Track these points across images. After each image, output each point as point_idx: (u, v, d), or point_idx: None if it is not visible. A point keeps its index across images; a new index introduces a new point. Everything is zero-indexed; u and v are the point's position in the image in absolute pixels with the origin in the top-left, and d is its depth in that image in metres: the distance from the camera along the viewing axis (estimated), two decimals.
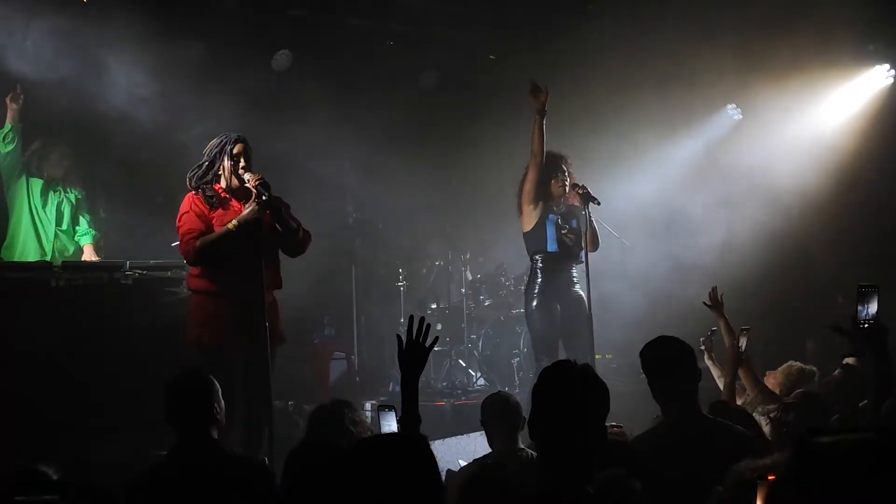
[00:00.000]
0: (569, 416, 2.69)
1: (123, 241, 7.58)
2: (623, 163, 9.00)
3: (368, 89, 9.28)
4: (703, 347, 5.52)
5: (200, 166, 5.54)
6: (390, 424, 3.64)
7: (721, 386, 5.32)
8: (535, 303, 6.76)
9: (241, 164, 5.48)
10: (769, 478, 2.42)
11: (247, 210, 5.35)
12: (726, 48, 8.42)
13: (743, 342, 5.07)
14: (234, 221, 5.34)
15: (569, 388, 2.73)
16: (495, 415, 4.42)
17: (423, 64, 9.60)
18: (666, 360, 3.74)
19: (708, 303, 5.62)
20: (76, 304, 6.16)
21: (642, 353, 3.83)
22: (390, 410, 3.69)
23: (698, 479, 3.04)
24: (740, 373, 5.24)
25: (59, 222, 7.25)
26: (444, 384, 8.80)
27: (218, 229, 5.40)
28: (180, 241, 5.45)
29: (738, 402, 4.94)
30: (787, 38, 8.42)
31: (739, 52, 8.52)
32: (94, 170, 7.78)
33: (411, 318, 3.28)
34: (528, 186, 6.77)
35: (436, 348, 8.70)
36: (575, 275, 6.85)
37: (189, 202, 5.48)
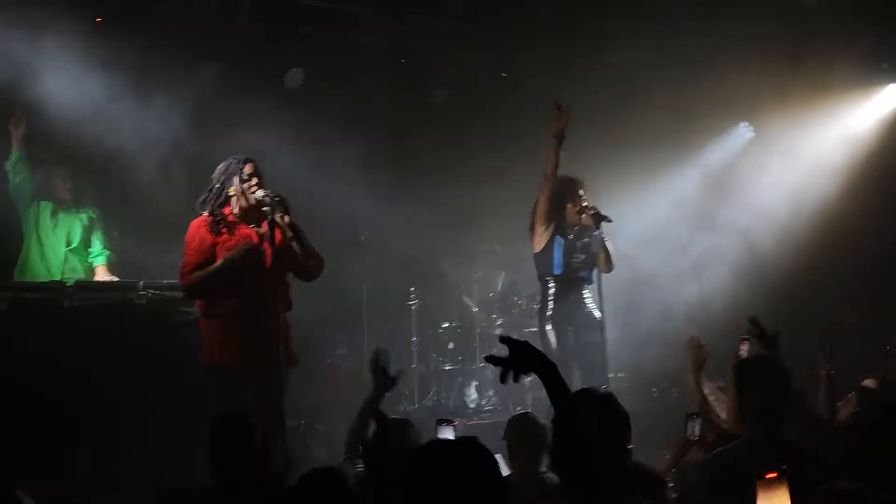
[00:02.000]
0: (591, 444, 2.68)
1: (137, 260, 7.58)
2: (635, 181, 8.98)
3: (380, 106, 9.29)
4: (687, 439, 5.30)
5: (210, 190, 5.55)
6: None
7: (719, 409, 5.12)
8: (548, 326, 6.75)
9: (254, 182, 5.50)
10: (767, 476, 2.41)
11: (241, 245, 5.36)
12: (739, 66, 8.42)
13: (744, 350, 4.96)
14: (226, 257, 5.36)
15: (591, 416, 2.73)
16: (523, 438, 4.35)
17: (435, 81, 9.61)
18: (758, 377, 3.73)
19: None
20: (90, 323, 6.17)
21: (736, 368, 3.83)
22: (448, 425, 3.70)
23: None
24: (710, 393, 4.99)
25: (68, 243, 7.24)
26: (456, 403, 8.76)
27: (220, 256, 5.43)
28: (181, 269, 5.49)
29: None
30: (801, 56, 8.42)
31: (752, 70, 8.51)
32: (106, 190, 7.78)
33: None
34: (541, 210, 6.76)
35: (447, 367, 8.87)
36: (587, 296, 6.82)
37: (194, 231, 5.50)
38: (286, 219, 5.38)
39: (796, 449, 3.68)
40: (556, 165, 6.62)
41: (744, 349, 4.90)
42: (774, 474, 2.35)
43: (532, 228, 6.88)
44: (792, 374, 3.88)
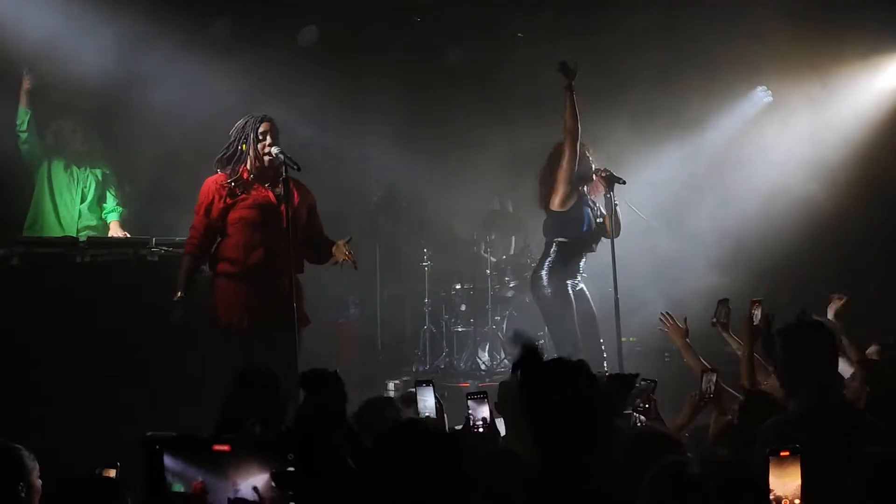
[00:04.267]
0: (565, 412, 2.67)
1: (150, 216, 7.57)
2: (650, 144, 8.91)
3: (393, 65, 9.22)
4: (714, 320, 5.26)
5: (227, 148, 5.57)
6: (426, 399, 3.63)
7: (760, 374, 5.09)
8: (550, 289, 6.60)
9: (268, 141, 5.50)
10: (782, 454, 2.39)
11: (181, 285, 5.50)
12: (760, 31, 8.31)
13: (756, 314, 4.87)
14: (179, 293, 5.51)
15: (563, 384, 2.71)
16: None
17: (449, 40, 9.52)
18: (808, 343, 3.68)
19: (664, 329, 5.16)
20: (102, 280, 6.17)
21: (780, 334, 3.78)
22: (428, 385, 3.69)
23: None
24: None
25: (83, 199, 7.22)
26: (468, 365, 8.77)
27: (238, 214, 5.50)
28: (190, 229, 5.64)
29: (763, 381, 4.78)
30: (823, 23, 8.30)
31: (773, 35, 8.40)
32: (118, 145, 7.75)
33: None
34: (567, 165, 6.56)
35: (459, 329, 8.86)
36: (583, 266, 6.76)
37: (205, 190, 5.55)
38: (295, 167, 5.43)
39: (856, 415, 3.60)
40: (576, 115, 6.47)
41: (757, 313, 4.85)
42: (787, 452, 2.32)
43: (548, 188, 6.71)
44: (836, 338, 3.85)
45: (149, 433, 1.99)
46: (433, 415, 3.79)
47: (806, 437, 3.35)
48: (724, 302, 5.21)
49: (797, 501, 2.26)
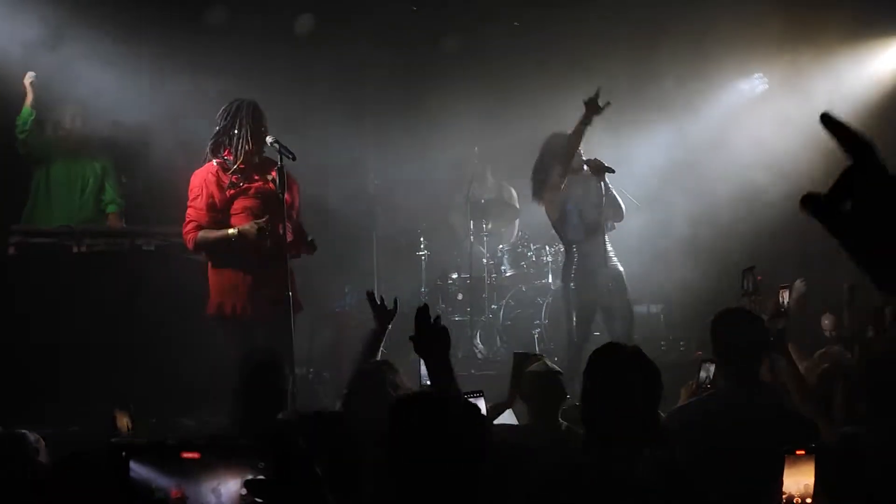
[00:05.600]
0: (619, 399, 2.64)
1: (145, 207, 7.54)
2: (646, 124, 8.89)
3: (390, 54, 9.18)
4: (743, 291, 5.02)
5: (218, 134, 5.47)
6: None
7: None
8: (571, 285, 6.72)
9: (264, 127, 5.47)
10: (797, 452, 2.39)
11: (248, 226, 5.34)
12: (757, 14, 8.29)
13: (784, 297, 4.74)
14: (235, 230, 5.35)
15: (618, 371, 2.69)
16: (541, 391, 4.32)
17: (446, 29, 9.49)
18: (737, 334, 3.73)
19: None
20: (98, 269, 6.17)
21: (714, 323, 3.84)
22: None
23: (738, 454, 3.09)
24: None
25: (82, 191, 7.20)
26: (465, 354, 8.76)
27: (242, 203, 5.44)
28: (184, 224, 5.45)
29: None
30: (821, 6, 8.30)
31: (770, 18, 8.38)
32: (114, 137, 7.71)
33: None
34: (555, 182, 6.62)
35: (456, 318, 8.84)
36: (609, 248, 6.76)
37: (199, 182, 5.43)
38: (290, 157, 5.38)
39: (772, 407, 3.64)
40: (579, 142, 6.50)
41: (785, 297, 4.76)
42: (803, 451, 2.32)
43: (540, 196, 6.79)
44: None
45: (114, 440, 1.97)
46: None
47: (714, 420, 3.47)
48: (749, 270, 5.01)
49: (808, 500, 2.25)
